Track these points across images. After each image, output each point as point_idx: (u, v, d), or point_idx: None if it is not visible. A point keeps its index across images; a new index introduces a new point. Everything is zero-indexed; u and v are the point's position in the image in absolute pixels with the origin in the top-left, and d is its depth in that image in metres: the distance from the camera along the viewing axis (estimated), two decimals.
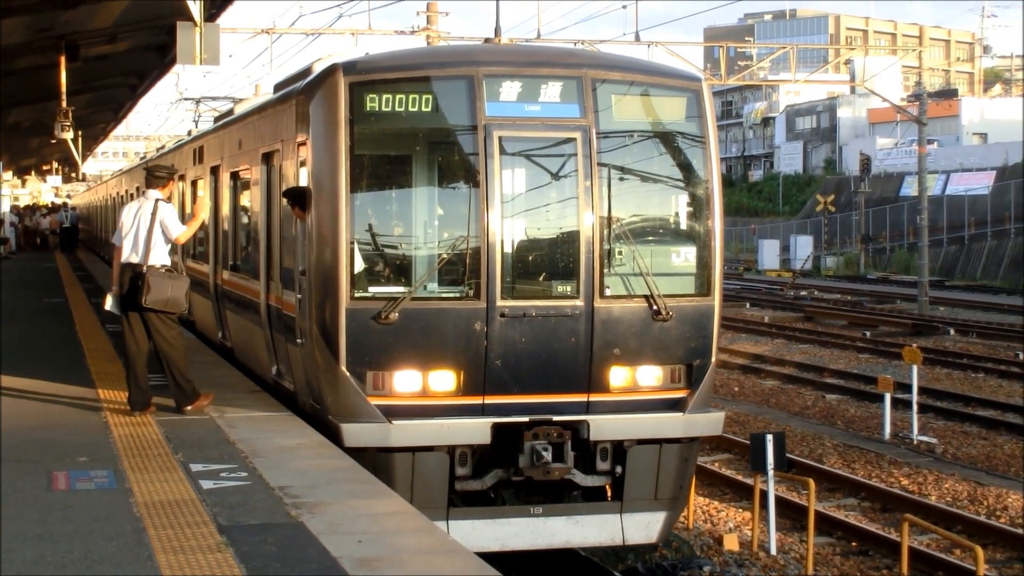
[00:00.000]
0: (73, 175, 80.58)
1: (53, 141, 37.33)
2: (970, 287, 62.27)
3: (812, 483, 15.08)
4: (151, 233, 12.99)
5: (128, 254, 13.10)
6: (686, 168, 12.76)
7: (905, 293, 54.94)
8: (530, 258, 12.24)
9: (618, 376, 12.11)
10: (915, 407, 22.39)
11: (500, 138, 11.73)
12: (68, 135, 32.28)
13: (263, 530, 8.90)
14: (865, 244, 76.54)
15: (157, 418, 13.29)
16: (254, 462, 11.15)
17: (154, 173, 14.03)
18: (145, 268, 12.91)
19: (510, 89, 11.97)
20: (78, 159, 55.80)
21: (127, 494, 9.95)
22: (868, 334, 39.72)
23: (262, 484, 10.34)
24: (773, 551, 14.66)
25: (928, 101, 58.01)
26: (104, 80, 37.40)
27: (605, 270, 11.99)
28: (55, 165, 72.71)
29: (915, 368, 22.52)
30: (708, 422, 12.63)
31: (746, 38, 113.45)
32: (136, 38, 29.63)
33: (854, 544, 15.56)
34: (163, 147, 33.51)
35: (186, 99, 48.82)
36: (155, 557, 8.20)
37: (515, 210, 12.00)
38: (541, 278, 12.18)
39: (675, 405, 12.25)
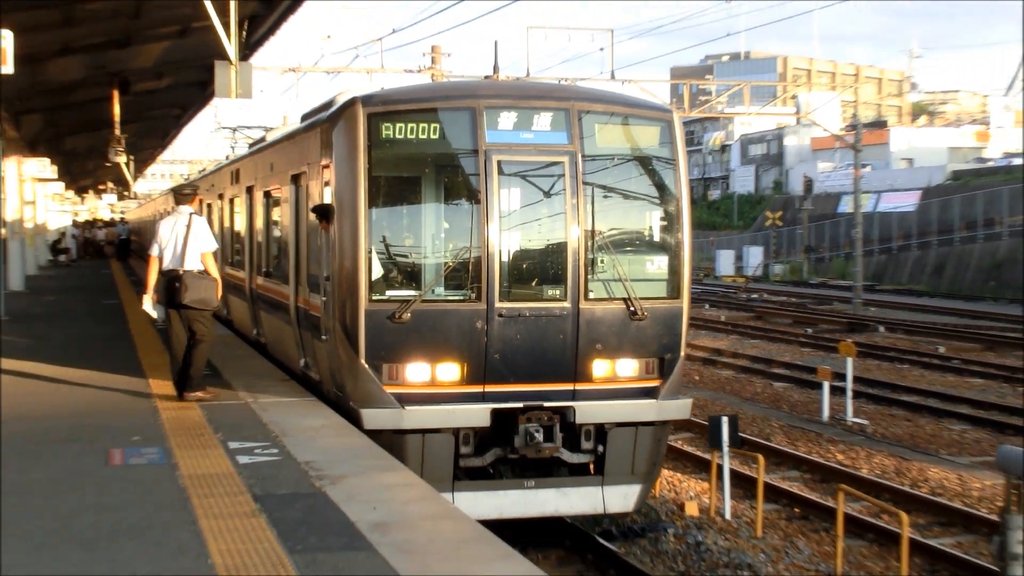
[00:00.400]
0: (125, 194, 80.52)
1: (108, 164, 37.19)
2: (897, 291, 62.30)
3: (761, 458, 15.13)
4: (187, 243, 13.09)
5: (168, 262, 13.18)
6: (660, 187, 12.78)
7: (841, 296, 54.92)
8: (524, 266, 12.20)
9: (600, 368, 12.17)
10: (849, 393, 22.41)
11: (499, 162, 11.84)
12: (121, 159, 32.27)
13: (291, 499, 8.97)
14: (807, 254, 76.54)
15: (199, 403, 13.33)
16: (284, 440, 11.20)
17: (181, 192, 14.44)
18: (183, 272, 13.02)
19: (507, 119, 12.01)
20: (130, 180, 55.68)
21: (174, 468, 10.00)
22: (810, 331, 39.77)
23: (290, 459, 10.39)
24: (728, 516, 14.70)
25: (862, 131, 57.93)
26: (152, 111, 37.38)
27: (589, 276, 12.07)
28: (110, 185, 72.40)
29: (849, 360, 22.54)
30: (678, 407, 12.72)
31: (706, 76, 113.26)
32: (180, 75, 29.64)
33: (797, 510, 15.62)
34: (204, 169, 33.49)
35: (224, 128, 48.70)
36: (198, 522, 8.26)
37: (511, 224, 12.03)
38: (534, 283, 12.17)
39: (649, 393, 12.33)
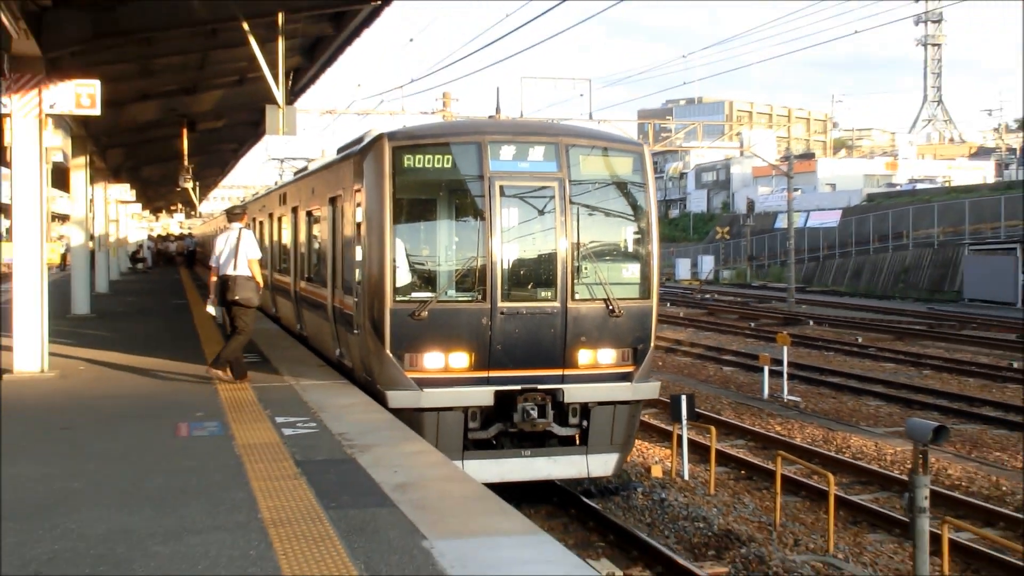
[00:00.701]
0: (192, 213, 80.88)
1: (178, 189, 37.36)
2: (823, 291, 62.40)
3: (713, 429, 15.11)
4: (238, 252, 13.22)
5: (224, 268, 13.30)
6: (633, 207, 12.85)
7: (778, 296, 54.95)
8: (521, 272, 12.23)
9: (584, 356, 12.21)
10: (785, 376, 22.41)
11: (500, 186, 11.94)
12: (188, 184, 32.48)
13: (327, 464, 8.99)
14: (750, 261, 76.67)
15: (251, 384, 13.31)
16: (321, 416, 11.21)
17: (233, 212, 14.70)
18: (234, 275, 13.20)
19: (507, 151, 12.08)
20: (195, 201, 55.96)
21: (230, 439, 10.00)
22: (753, 325, 39.77)
23: (326, 432, 10.40)
24: (686, 477, 14.66)
25: (794, 161, 58.14)
26: (213, 146, 37.37)
27: (575, 281, 12.14)
28: (179, 205, 72.57)
29: (785, 348, 22.55)
30: (649, 389, 12.74)
31: (667, 117, 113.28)
32: (236, 116, 29.62)
33: (743, 472, 15.66)
34: (256, 193, 33.45)
35: (273, 159, 48.76)
36: (250, 484, 8.28)
37: (510, 238, 12.11)
38: (529, 287, 12.21)
39: (625, 377, 12.38)
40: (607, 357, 12.36)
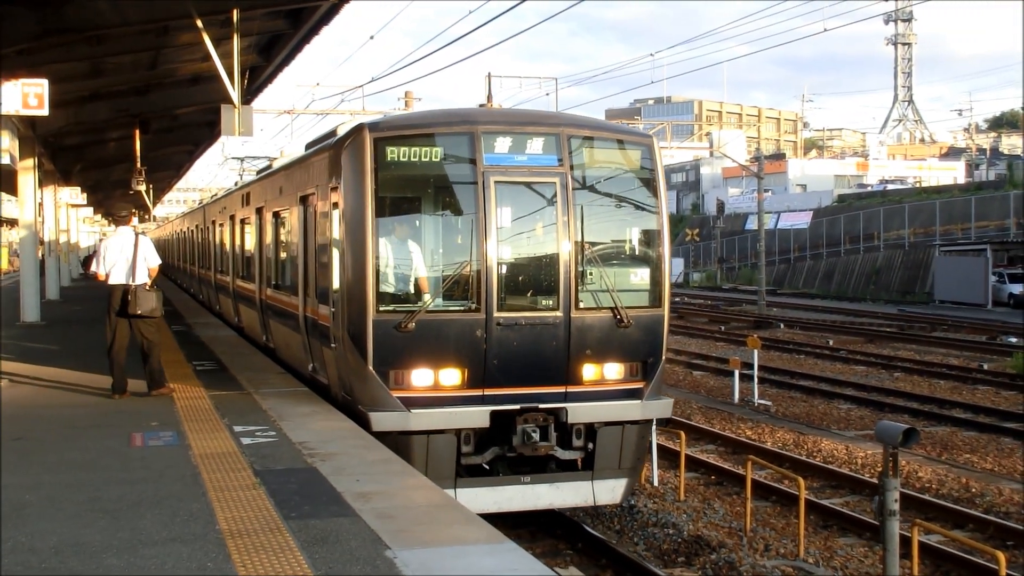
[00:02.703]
0: (146, 217, 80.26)
1: (131, 192, 36.99)
2: (794, 294, 62.84)
3: (683, 434, 15.18)
4: (135, 260, 12.70)
5: (120, 278, 12.72)
6: (642, 206, 11.89)
7: (748, 299, 55.30)
8: (520, 278, 11.29)
9: (589, 371, 11.28)
10: (756, 380, 22.56)
11: (495, 182, 10.95)
12: (141, 187, 32.22)
13: (287, 473, 8.96)
14: (720, 264, 77.15)
15: (208, 393, 13.24)
16: (280, 424, 11.16)
17: (119, 215, 13.93)
18: (134, 286, 12.66)
19: (503, 143, 11.14)
20: (149, 205, 55.41)
21: (187, 448, 9.96)
22: (723, 328, 40.03)
23: (286, 440, 10.36)
24: (656, 483, 14.66)
25: (764, 161, 58.54)
26: (168, 147, 37.19)
27: (579, 288, 11.19)
28: (132, 209, 72.25)
29: (756, 352, 22.71)
30: (660, 407, 11.73)
31: (635, 117, 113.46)
32: (191, 116, 29.45)
33: (713, 477, 15.68)
34: (216, 195, 33.02)
35: (231, 159, 48.47)
36: (207, 494, 8.24)
37: (507, 240, 11.15)
38: (529, 294, 11.26)
39: (634, 394, 11.45)
40: (614, 372, 11.49)
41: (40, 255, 26.97)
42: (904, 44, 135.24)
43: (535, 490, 11.25)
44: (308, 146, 15.70)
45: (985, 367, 27.73)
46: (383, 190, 10.96)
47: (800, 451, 17.39)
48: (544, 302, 11.18)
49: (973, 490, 14.78)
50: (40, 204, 27.88)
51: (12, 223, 55.75)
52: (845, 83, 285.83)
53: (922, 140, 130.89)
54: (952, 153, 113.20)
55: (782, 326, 40.43)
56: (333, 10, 17.73)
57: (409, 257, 11.20)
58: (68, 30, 16.03)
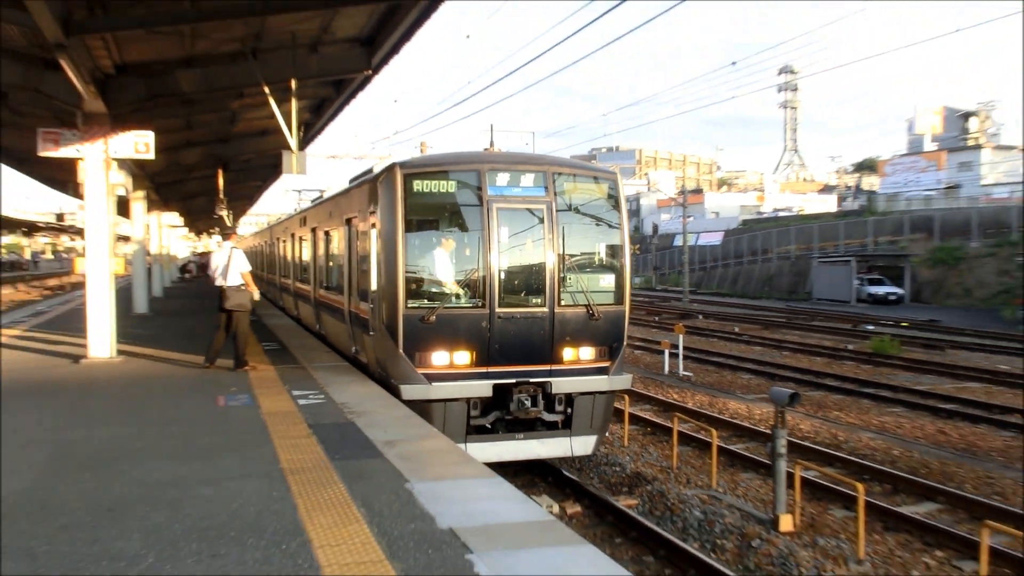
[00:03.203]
0: (229, 235, 79.92)
1: (215, 216, 36.88)
2: (710, 293, 63.02)
3: (627, 397, 15.21)
4: (229, 267, 12.81)
5: (219, 280, 12.90)
6: (609, 226, 11.66)
7: (675, 297, 55.44)
8: (516, 282, 11.08)
9: (568, 354, 11.16)
10: (681, 356, 22.63)
11: (497, 208, 10.89)
12: (223, 212, 32.18)
13: (332, 426, 8.97)
14: (655, 271, 77.26)
15: (274, 366, 13.22)
16: (327, 390, 11.16)
17: (224, 231, 14.07)
18: (228, 286, 12.80)
19: (503, 178, 11.01)
20: (230, 225, 55.29)
21: (257, 408, 9.96)
22: (657, 318, 40.05)
23: (331, 401, 10.36)
24: (606, 434, 14.73)
25: (687, 195, 58.75)
26: (242, 182, 37.06)
27: (561, 289, 11.11)
28: (216, 228, 71.87)
29: (681, 336, 22.77)
30: (623, 380, 11.54)
31: (592, 161, 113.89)
32: (261, 160, 29.36)
33: (648, 429, 15.72)
34: (279, 218, 32.85)
35: (292, 190, 48.46)
36: (272, 441, 8.27)
37: (506, 252, 10.99)
38: (523, 294, 11.08)
39: (602, 371, 11.31)
40: (588, 354, 11.31)
41: (147, 263, 26.87)
42: (791, 108, 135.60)
43: (527, 444, 11.20)
44: (351, 180, 15.38)
45: (849, 348, 27.89)
46: (410, 214, 10.82)
47: (713, 409, 17.47)
48: (534, 300, 11.05)
49: (840, 438, 14.90)
50: (147, 225, 27.80)
51: (126, 239, 55.65)
52: (747, 136, 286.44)
53: (804, 179, 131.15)
54: (826, 189, 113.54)
55: (701, 317, 40.56)
56: (366, 81, 17.76)
57: (431, 265, 10.99)
58: (169, 95, 16.02)
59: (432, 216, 11.23)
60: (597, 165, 11.72)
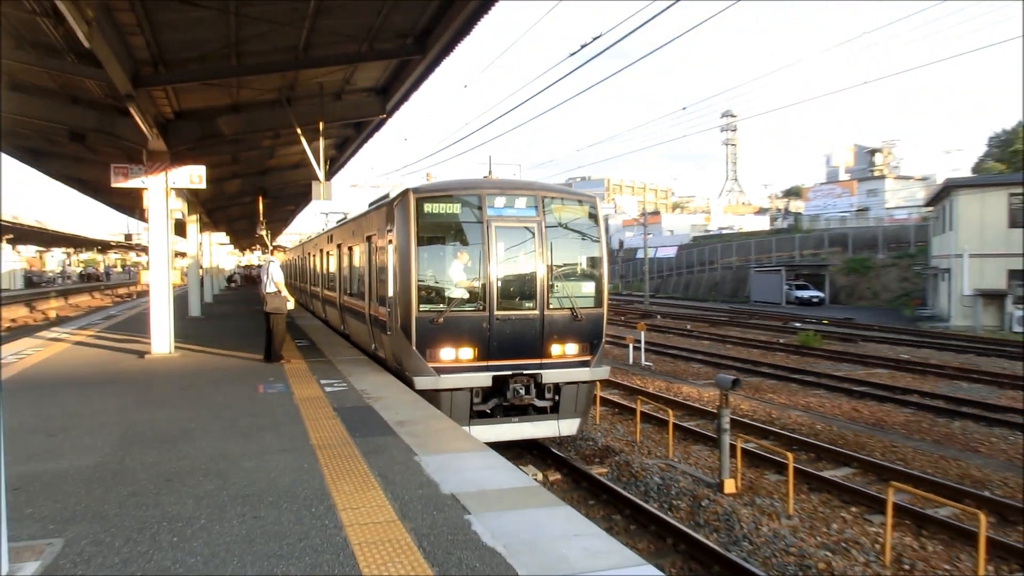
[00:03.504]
0: (266, 250, 79.64)
1: (257, 235, 36.76)
2: (667, 297, 63.07)
3: (598, 384, 15.17)
4: (266, 277, 12.89)
5: (261, 288, 13.01)
6: (590, 242, 11.33)
7: (638, 300, 55.44)
8: (511, 289, 10.72)
9: (556, 349, 10.85)
10: (643, 349, 22.65)
11: (495, 227, 10.63)
12: (263, 232, 32.01)
13: (353, 409, 8.92)
14: (621, 279, 77.34)
15: (305, 359, 13.17)
16: (349, 379, 11.11)
17: (275, 248, 14.04)
18: (264, 293, 12.85)
19: (500, 201, 10.71)
20: (268, 243, 55.11)
21: (291, 395, 9.90)
22: (622, 318, 40.07)
23: (353, 389, 10.32)
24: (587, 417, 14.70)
25: (647, 216, 58.83)
26: (279, 207, 36.92)
27: (550, 295, 10.78)
28: (257, 246, 71.59)
29: (643, 332, 22.80)
30: (602, 372, 11.23)
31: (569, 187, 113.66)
32: (294, 188, 29.23)
33: (616, 410, 15.69)
34: (311, 236, 32.74)
35: (321, 212, 48.47)
36: (304, 422, 8.21)
37: (503, 264, 10.68)
38: (517, 299, 10.72)
39: (585, 364, 10.99)
40: (572, 349, 10.99)
41: (200, 275, 26.74)
42: (732, 145, 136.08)
43: (521, 427, 10.97)
44: (370, 204, 15.19)
45: (781, 341, 27.98)
46: (422, 231, 10.54)
47: (670, 393, 17.48)
48: (527, 304, 10.75)
49: (774, 416, 14.94)
50: (199, 243, 27.67)
51: (183, 255, 55.43)
52: (696, 167, 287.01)
53: (743, 203, 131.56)
54: (761, 211, 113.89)
55: (659, 316, 40.60)
56: (381, 123, 17.72)
57: (439, 275, 10.71)
58: (218, 135, 15.98)
59: (440, 233, 10.93)
60: (579, 190, 11.37)
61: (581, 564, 4.46)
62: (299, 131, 15.71)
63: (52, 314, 37.11)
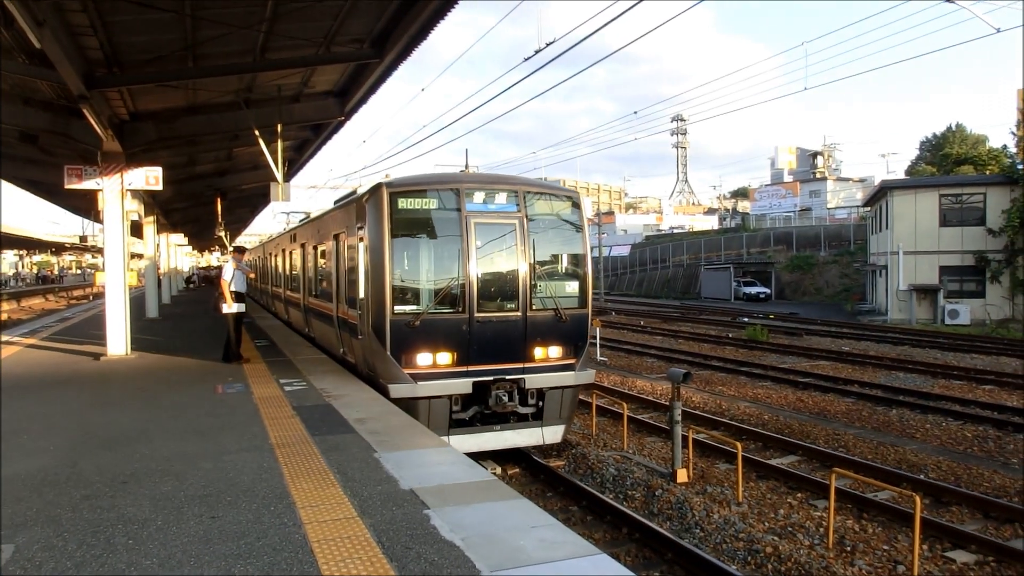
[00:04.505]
0: (224, 252, 78.22)
1: (215, 236, 36.11)
2: (621, 294, 63.57)
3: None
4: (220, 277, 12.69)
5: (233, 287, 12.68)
6: (573, 239, 10.60)
7: (593, 297, 55.73)
8: (492, 289, 9.91)
9: (539, 353, 10.10)
10: (598, 345, 22.69)
11: (475, 223, 9.81)
12: (221, 233, 31.48)
13: (313, 408, 8.80)
14: None
15: (264, 359, 12.94)
16: (309, 378, 10.94)
17: (237, 249, 13.65)
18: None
19: (479, 196, 9.93)
20: (227, 244, 54.12)
21: (251, 394, 9.72)
22: None
23: (312, 387, 10.16)
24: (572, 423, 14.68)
25: (602, 216, 59.28)
26: (238, 208, 36.33)
27: (532, 295, 10.03)
28: (216, 247, 70.24)
29: (598, 329, 22.84)
30: (587, 375, 10.51)
31: None
32: (253, 189, 28.76)
33: None
34: (271, 236, 31.99)
35: (281, 212, 47.71)
36: (263, 421, 8.07)
37: (483, 263, 9.85)
38: (498, 301, 9.92)
39: (569, 368, 10.27)
40: (556, 352, 10.24)
41: (158, 276, 26.11)
42: (682, 148, 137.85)
43: (503, 435, 10.19)
44: (335, 202, 14.36)
45: (730, 336, 28.37)
46: (396, 228, 9.67)
47: (624, 387, 17.54)
48: (509, 306, 9.97)
49: (724, 407, 15.11)
50: (157, 244, 27.03)
51: (140, 256, 54.21)
52: (648, 169, 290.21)
53: (693, 203, 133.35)
54: (710, 211, 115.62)
55: (613, 313, 40.83)
56: (340, 125, 17.51)
57: (415, 275, 9.88)
58: (175, 137, 15.64)
59: (415, 230, 9.98)
60: (560, 185, 10.51)
61: (537, 555, 4.46)
62: (257, 133, 15.44)
63: (4, 316, 35.84)
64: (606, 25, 11.07)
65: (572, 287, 10.57)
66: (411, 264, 9.89)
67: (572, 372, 10.31)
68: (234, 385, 10.40)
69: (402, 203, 9.74)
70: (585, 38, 11.62)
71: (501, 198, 10.13)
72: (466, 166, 11.68)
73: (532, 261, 10.12)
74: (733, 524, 8.38)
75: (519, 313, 10.00)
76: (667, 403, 14.09)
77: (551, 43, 12.27)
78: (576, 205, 10.67)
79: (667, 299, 56.02)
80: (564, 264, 10.69)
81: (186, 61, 12.06)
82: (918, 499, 7.51)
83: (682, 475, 10.12)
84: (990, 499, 9.30)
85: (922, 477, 10.28)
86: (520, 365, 10.04)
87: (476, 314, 9.79)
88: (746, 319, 35.52)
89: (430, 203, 9.89)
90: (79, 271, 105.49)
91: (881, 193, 40.38)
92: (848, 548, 8.00)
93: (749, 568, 7.51)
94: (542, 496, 9.81)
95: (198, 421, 8.13)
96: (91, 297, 50.90)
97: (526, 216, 10.15)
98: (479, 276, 9.86)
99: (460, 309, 9.76)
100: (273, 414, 8.42)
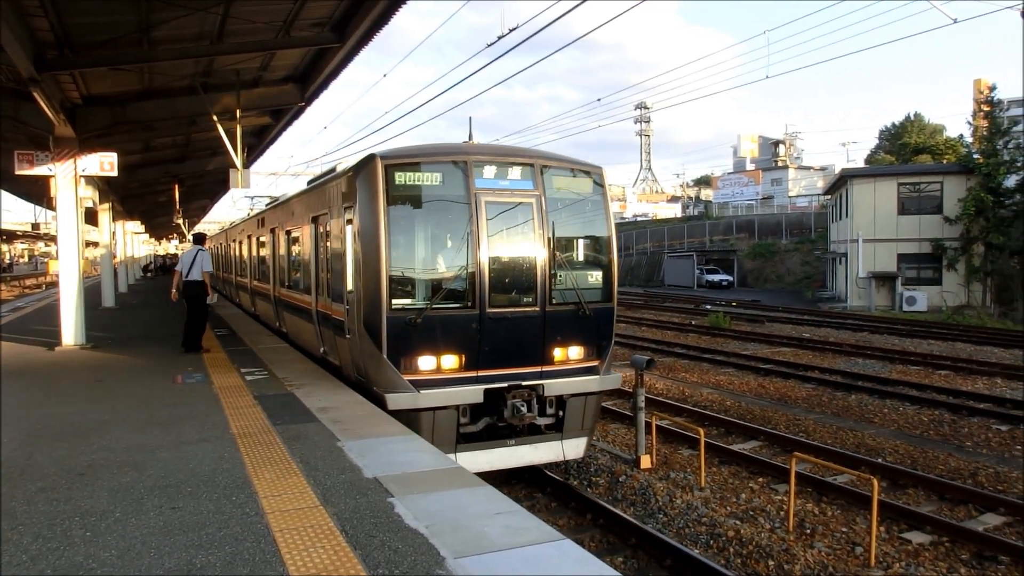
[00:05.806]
0: (182, 240, 76.81)
1: (173, 224, 35.50)
2: None
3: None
4: (192, 265, 12.56)
5: (186, 275, 12.59)
6: (597, 221, 9.30)
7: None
8: (506, 281, 8.56)
9: (559, 354, 8.81)
10: None
11: (486, 202, 8.48)
12: (180, 221, 31.00)
13: (275, 397, 8.72)
14: None
15: (225, 348, 12.78)
16: (271, 367, 10.84)
17: (198, 237, 13.57)
18: (192, 280, 12.57)
19: (490, 171, 8.58)
20: (185, 232, 53.14)
21: (210, 384, 9.59)
22: None
23: (274, 376, 10.07)
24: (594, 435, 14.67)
25: None
26: (197, 196, 35.70)
27: (551, 288, 8.73)
28: (175, 234, 68.89)
29: None
30: (612, 380, 9.14)
31: None
32: (212, 176, 28.27)
33: None
34: (234, 223, 31.00)
35: (243, 197, 46.86)
36: (224, 411, 7.97)
37: (495, 250, 8.50)
38: (513, 293, 8.60)
39: (592, 371, 9.00)
40: (577, 353, 8.97)
41: (114, 265, 25.56)
42: (646, 135, 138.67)
43: (518, 451, 8.90)
44: (309, 182, 13.03)
45: (693, 323, 28.75)
46: (393, 207, 8.30)
47: None
48: (525, 300, 8.66)
49: (687, 394, 15.33)
50: (113, 232, 26.44)
51: (95, 244, 52.87)
52: (612, 157, 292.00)
53: (656, 191, 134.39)
54: (673, 199, 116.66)
55: None
56: (300, 111, 17.30)
57: (415, 263, 8.56)
58: (130, 122, 15.29)
59: (416, 210, 8.60)
60: (580, 159, 9.47)
61: (502, 541, 4.49)
62: (215, 118, 15.17)
63: None
64: (569, 12, 11.08)
65: (596, 277, 9.32)
66: (411, 250, 8.58)
67: (596, 376, 9.05)
68: (194, 375, 10.25)
69: (399, 177, 8.37)
70: (548, 24, 11.60)
71: (515, 173, 8.82)
72: (470, 137, 10.02)
73: (552, 247, 8.82)
74: (696, 509, 8.53)
75: (537, 308, 8.71)
76: (630, 390, 14.25)
77: (514, 29, 12.25)
78: (600, 180, 9.43)
79: (631, 287, 56.47)
80: (586, 250, 9.48)
81: (141, 44, 11.78)
82: (875, 482, 7.71)
83: (646, 461, 10.25)
84: (945, 481, 9.60)
85: (880, 461, 10.56)
86: (538, 369, 8.76)
87: (488, 309, 8.47)
88: (709, 307, 36.00)
89: (433, 178, 8.51)
90: (31, 259, 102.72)
91: (841, 182, 41.16)
92: (808, 531, 8.20)
93: (711, 552, 7.66)
94: (507, 483, 9.87)
95: (157, 412, 8.01)
96: (44, 286, 49.62)
97: (544, 194, 8.86)
98: (491, 265, 8.53)
99: (469, 304, 8.44)
100: (234, 403, 8.33)
